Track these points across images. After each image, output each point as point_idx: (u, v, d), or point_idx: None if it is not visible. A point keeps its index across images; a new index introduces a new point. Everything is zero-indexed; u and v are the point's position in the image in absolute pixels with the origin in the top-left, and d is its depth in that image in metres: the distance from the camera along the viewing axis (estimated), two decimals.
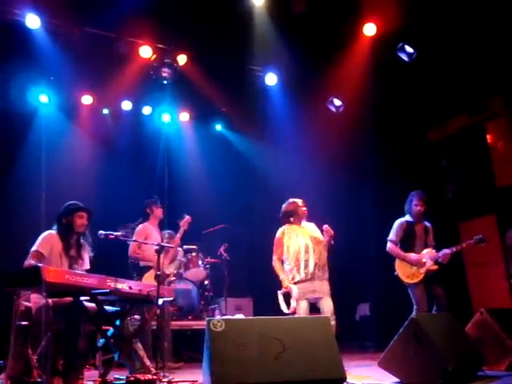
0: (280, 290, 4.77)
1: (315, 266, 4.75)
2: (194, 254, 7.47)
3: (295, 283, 4.73)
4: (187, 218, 5.86)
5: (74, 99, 7.91)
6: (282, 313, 4.63)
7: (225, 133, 9.37)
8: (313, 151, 8.20)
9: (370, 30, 6.58)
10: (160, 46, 6.93)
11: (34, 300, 3.99)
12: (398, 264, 5.44)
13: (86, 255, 4.42)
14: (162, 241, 5.67)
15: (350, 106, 7.88)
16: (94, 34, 6.53)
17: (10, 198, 7.16)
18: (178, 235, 5.87)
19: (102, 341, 4.09)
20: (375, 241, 7.02)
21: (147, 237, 5.58)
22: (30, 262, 4.02)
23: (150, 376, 3.95)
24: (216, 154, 8.85)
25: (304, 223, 5.05)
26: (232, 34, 6.56)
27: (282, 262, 4.92)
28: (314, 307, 4.79)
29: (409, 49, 6.68)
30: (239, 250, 8.37)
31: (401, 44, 6.72)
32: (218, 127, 9.35)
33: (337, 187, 8.14)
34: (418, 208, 5.45)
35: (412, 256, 5.34)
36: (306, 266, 4.75)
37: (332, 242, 4.88)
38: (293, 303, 4.62)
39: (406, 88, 7.40)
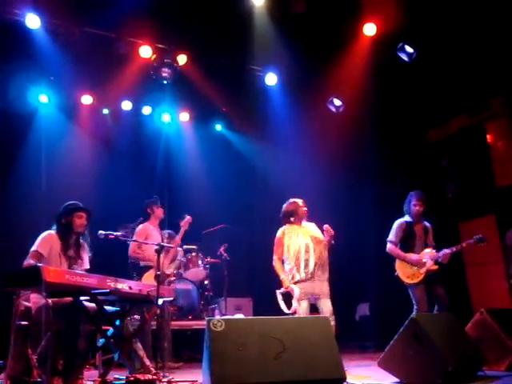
0: (279, 289, 4.78)
1: (315, 265, 4.75)
2: (193, 253, 7.47)
3: (295, 283, 4.72)
4: (188, 218, 5.85)
5: (73, 99, 7.90)
6: (282, 313, 4.63)
7: (225, 133, 9.37)
8: (313, 151, 8.20)
9: (369, 29, 6.58)
10: (160, 45, 6.93)
11: (33, 300, 3.99)
12: (398, 264, 5.44)
13: (86, 255, 4.42)
14: (163, 241, 5.68)
15: (350, 106, 7.88)
16: (94, 33, 6.54)
17: (10, 198, 7.16)
18: (179, 235, 5.86)
19: (101, 341, 4.08)
20: (375, 241, 7.03)
21: (147, 237, 5.58)
22: (29, 261, 4.02)
23: (149, 376, 3.94)
24: (216, 154, 8.84)
25: (304, 223, 5.05)
26: (232, 34, 6.56)
27: (283, 262, 4.92)
28: (313, 307, 4.79)
29: (409, 49, 6.69)
30: (239, 249, 8.37)
31: (401, 44, 6.72)
32: (218, 127, 9.34)
33: (337, 187, 8.14)
34: (417, 208, 5.45)
35: (412, 256, 5.34)
36: (307, 266, 4.75)
37: (332, 242, 4.89)
38: (294, 304, 4.62)
39: (406, 88, 7.40)
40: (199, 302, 7.11)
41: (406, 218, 5.53)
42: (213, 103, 8.33)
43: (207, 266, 7.53)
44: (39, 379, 3.80)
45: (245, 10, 6.24)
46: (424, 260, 5.26)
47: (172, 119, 8.76)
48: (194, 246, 7.44)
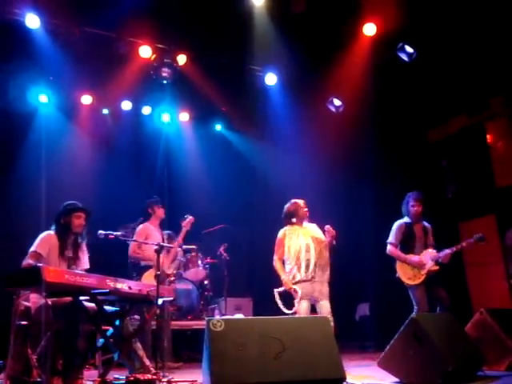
0: (277, 288, 4.78)
1: (316, 265, 4.75)
2: (193, 253, 7.48)
3: (296, 283, 4.72)
4: (190, 218, 5.82)
5: (73, 99, 7.90)
6: (281, 313, 4.63)
7: (225, 133, 9.36)
8: (313, 151, 8.20)
9: (370, 29, 6.58)
10: (160, 45, 6.93)
11: (33, 300, 3.99)
12: (398, 266, 5.43)
13: (85, 255, 4.42)
14: (163, 241, 5.68)
15: (350, 106, 7.88)
16: (94, 33, 6.53)
17: (10, 198, 7.16)
18: (181, 235, 5.84)
19: (101, 341, 4.08)
20: (375, 241, 7.02)
21: (148, 237, 5.58)
22: (28, 261, 4.02)
23: (149, 376, 3.94)
24: (216, 154, 8.84)
25: (306, 224, 5.06)
26: (232, 34, 6.55)
27: (283, 263, 4.93)
28: (312, 308, 4.78)
29: (409, 49, 6.69)
30: (239, 249, 8.37)
31: (401, 44, 6.72)
32: (218, 127, 9.34)
33: (336, 187, 8.14)
34: (415, 209, 5.45)
35: (413, 257, 5.34)
36: (307, 266, 4.75)
37: (334, 242, 4.89)
38: (297, 304, 4.62)
39: (406, 88, 7.40)
40: (199, 301, 7.11)
41: (405, 219, 5.53)
42: (213, 103, 8.33)
43: (207, 265, 7.54)
44: (39, 379, 3.81)
45: (245, 10, 6.23)
46: (424, 261, 5.26)
47: (172, 119, 8.76)
48: (193, 246, 7.44)
